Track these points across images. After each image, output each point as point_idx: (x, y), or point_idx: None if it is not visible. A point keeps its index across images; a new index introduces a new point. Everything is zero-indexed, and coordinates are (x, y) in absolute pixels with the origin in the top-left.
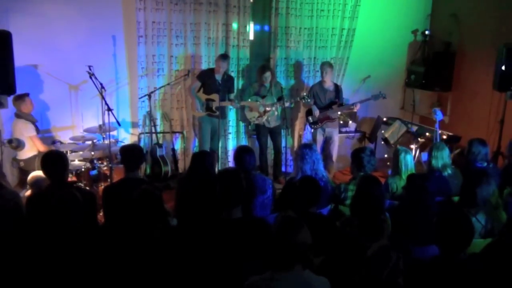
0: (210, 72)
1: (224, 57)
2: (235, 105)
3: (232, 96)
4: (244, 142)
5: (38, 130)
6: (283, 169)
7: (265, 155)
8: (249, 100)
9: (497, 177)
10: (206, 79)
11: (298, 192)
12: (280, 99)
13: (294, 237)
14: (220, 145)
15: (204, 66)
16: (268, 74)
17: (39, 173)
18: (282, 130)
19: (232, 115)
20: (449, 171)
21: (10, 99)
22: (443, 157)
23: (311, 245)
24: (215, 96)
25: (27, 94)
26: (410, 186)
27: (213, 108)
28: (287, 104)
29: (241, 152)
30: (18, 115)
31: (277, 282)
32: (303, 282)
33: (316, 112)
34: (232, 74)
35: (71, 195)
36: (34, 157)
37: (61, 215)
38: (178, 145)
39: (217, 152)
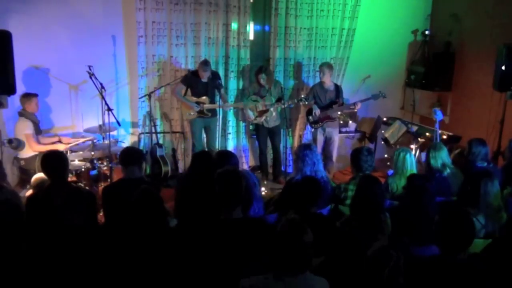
0: (194, 76)
1: (206, 63)
2: (225, 107)
3: (222, 91)
4: (244, 142)
5: (39, 131)
6: (282, 169)
7: (265, 155)
8: (247, 101)
9: (497, 177)
10: (192, 83)
11: (299, 192)
12: (279, 99)
13: (302, 240)
14: (218, 144)
15: None
16: (263, 76)
17: (43, 174)
18: (281, 130)
19: (231, 115)
20: (448, 171)
21: (10, 98)
22: (442, 157)
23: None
24: (205, 99)
25: (35, 95)
26: (410, 186)
27: (204, 111)
28: (285, 105)
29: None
30: (21, 113)
31: (278, 283)
32: (304, 284)
33: (317, 111)
34: (232, 74)
35: (77, 192)
36: (35, 156)
37: (66, 213)
38: (178, 145)
39: (214, 151)
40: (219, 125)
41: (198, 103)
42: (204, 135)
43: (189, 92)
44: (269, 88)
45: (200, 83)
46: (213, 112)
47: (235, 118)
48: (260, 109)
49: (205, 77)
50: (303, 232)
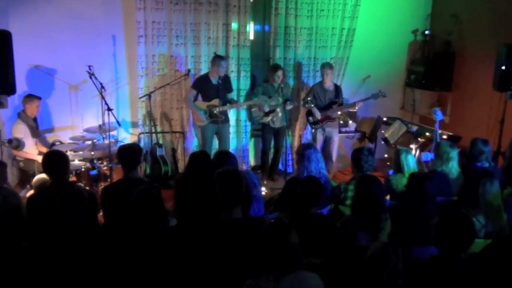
0: (205, 78)
1: (222, 57)
2: (240, 106)
3: (230, 95)
4: (244, 142)
5: (37, 134)
6: (282, 168)
7: (267, 155)
8: (255, 99)
9: (498, 177)
10: (203, 86)
11: (300, 192)
12: (286, 101)
13: (288, 240)
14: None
15: (204, 66)
16: (280, 73)
17: (44, 175)
18: (286, 131)
19: (231, 115)
20: (455, 175)
21: (10, 98)
22: (455, 162)
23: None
24: (216, 101)
25: (38, 98)
26: (411, 185)
27: (217, 113)
28: (289, 107)
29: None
30: (19, 115)
31: (275, 283)
32: (298, 280)
33: (317, 114)
34: (232, 74)
35: (77, 193)
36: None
37: (66, 213)
38: (178, 145)
39: None
40: (222, 131)
41: (209, 106)
42: (216, 140)
43: (199, 97)
44: (278, 88)
45: (210, 86)
46: (225, 117)
47: (235, 118)
48: (266, 110)
49: (221, 73)
50: (287, 232)
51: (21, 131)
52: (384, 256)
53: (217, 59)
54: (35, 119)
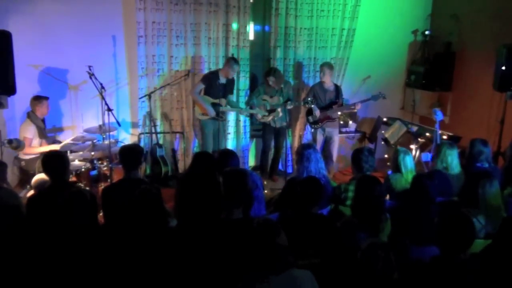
0: (215, 74)
1: (237, 61)
2: (244, 112)
3: (231, 97)
4: (243, 142)
5: (44, 135)
6: (281, 168)
7: (267, 155)
8: (257, 101)
9: (498, 178)
10: (212, 82)
11: (300, 192)
12: (287, 101)
13: (276, 240)
14: (218, 145)
15: (204, 66)
16: (271, 79)
17: (43, 175)
18: (287, 131)
19: (231, 115)
20: (456, 171)
21: (10, 99)
22: (453, 157)
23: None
24: (222, 101)
25: (46, 98)
26: (414, 186)
27: (220, 113)
28: (290, 106)
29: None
30: (28, 115)
31: (267, 284)
32: (290, 278)
33: (317, 112)
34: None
35: (80, 193)
36: (36, 158)
37: (69, 213)
38: (178, 145)
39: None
40: (219, 130)
41: (214, 104)
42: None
43: (202, 92)
44: (278, 89)
45: (218, 84)
46: (224, 117)
47: (235, 118)
48: (268, 109)
49: (231, 75)
50: (276, 234)
51: (31, 132)
52: (372, 253)
53: (232, 61)
54: (43, 120)
